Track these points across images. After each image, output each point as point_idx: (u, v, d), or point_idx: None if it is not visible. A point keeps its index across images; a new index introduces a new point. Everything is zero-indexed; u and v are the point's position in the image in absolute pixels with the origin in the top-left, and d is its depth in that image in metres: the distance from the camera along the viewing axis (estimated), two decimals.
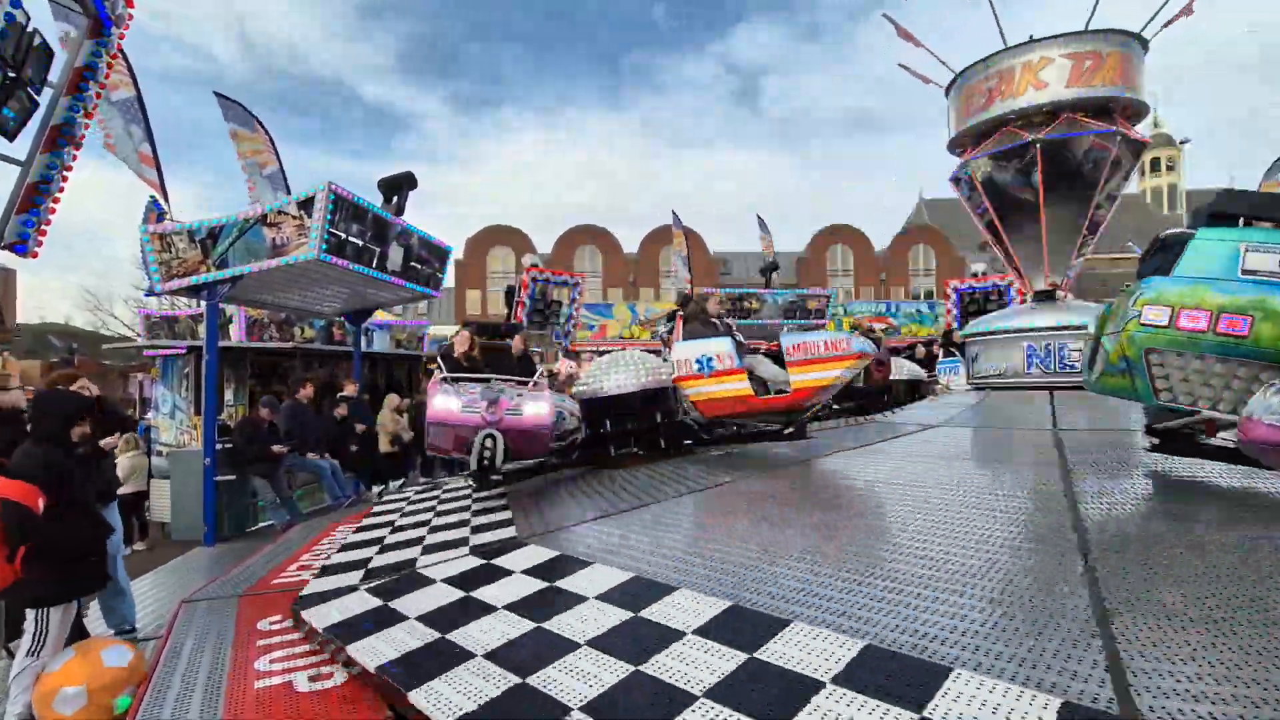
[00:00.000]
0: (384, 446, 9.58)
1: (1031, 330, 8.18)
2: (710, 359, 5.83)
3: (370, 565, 4.20)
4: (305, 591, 3.80)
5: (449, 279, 9.66)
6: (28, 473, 3.25)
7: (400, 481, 8.96)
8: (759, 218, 20.70)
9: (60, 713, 3.15)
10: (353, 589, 3.73)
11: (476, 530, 4.71)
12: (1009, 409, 7.03)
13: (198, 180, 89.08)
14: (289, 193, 8.98)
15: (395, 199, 7.65)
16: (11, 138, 4.39)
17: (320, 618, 3.27)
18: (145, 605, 5.20)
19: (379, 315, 12.82)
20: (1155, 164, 54.73)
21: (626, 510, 4.55)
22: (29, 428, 3.59)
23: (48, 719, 3.17)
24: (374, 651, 2.81)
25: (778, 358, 5.77)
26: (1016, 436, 5.88)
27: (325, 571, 4.19)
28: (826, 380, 5.42)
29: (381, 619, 3.18)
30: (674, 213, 18.88)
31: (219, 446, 7.19)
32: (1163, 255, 3.41)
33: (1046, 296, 9.10)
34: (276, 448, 7.17)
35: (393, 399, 10.20)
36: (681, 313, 7.07)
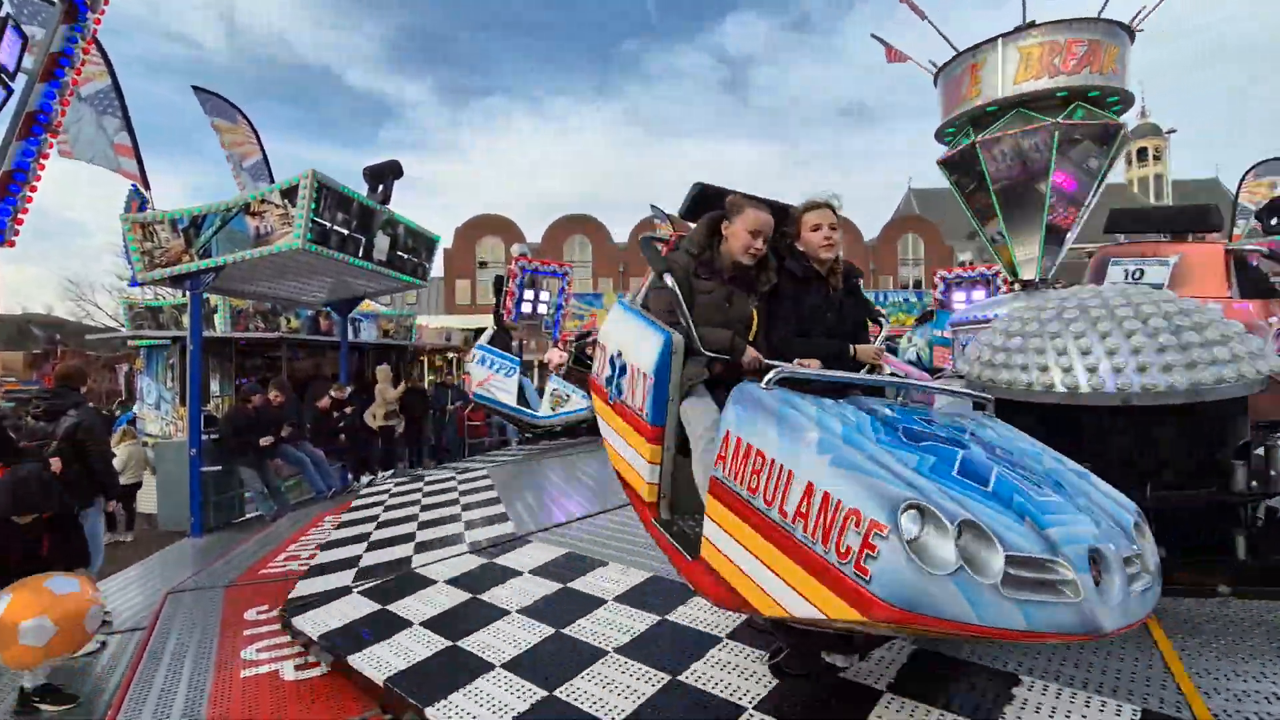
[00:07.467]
0: (380, 421, 9.05)
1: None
2: None
3: (361, 564, 4.04)
4: (294, 594, 3.64)
5: (438, 268, 9.54)
6: None
7: (390, 472, 8.94)
8: None
9: (30, 644, 2.93)
10: (345, 590, 3.58)
11: (471, 525, 4.59)
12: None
13: (186, 171, 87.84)
14: (272, 182, 8.86)
15: (381, 188, 7.57)
16: None
17: (314, 624, 3.14)
18: (131, 596, 5.18)
19: (366, 306, 12.65)
20: (1142, 153, 54.87)
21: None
22: None
23: (17, 657, 2.97)
24: (379, 662, 2.66)
25: None
26: None
27: (314, 572, 4.02)
28: None
29: (381, 625, 3.05)
30: (653, 206, 18.60)
31: (205, 437, 7.13)
32: None
33: (1034, 285, 9.18)
34: (263, 440, 7.13)
35: (385, 370, 9.53)
36: None
